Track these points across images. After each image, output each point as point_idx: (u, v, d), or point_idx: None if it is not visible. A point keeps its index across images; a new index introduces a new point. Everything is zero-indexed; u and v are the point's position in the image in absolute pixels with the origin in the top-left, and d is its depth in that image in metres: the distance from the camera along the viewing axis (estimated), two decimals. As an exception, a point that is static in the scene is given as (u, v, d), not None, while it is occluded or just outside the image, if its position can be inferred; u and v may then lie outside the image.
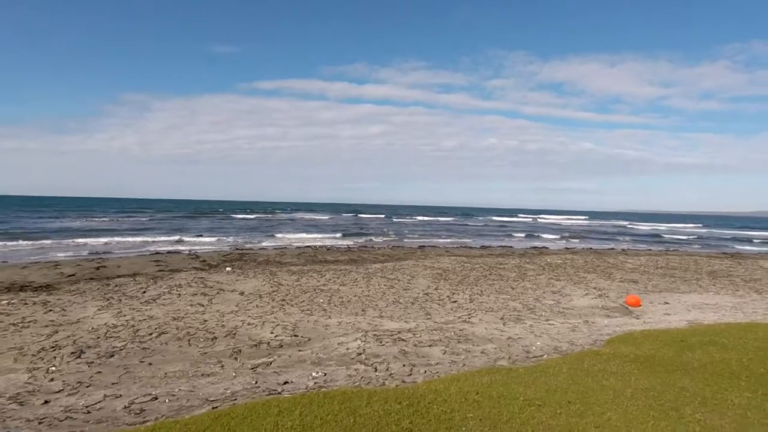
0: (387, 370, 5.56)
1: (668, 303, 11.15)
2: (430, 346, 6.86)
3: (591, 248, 28.13)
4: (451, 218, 75.91)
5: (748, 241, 43.41)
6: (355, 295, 10.81)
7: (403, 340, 7.10)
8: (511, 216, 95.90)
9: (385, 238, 31.88)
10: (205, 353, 6.13)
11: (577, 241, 36.11)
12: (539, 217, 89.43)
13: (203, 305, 9.32)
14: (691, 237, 47.10)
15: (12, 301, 9.05)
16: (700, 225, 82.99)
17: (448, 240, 32.31)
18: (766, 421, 3.38)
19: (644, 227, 67.31)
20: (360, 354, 6.24)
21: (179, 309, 8.88)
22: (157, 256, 17.70)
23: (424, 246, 25.89)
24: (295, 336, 7.20)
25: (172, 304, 9.31)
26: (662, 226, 73.68)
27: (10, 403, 4.12)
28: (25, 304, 8.95)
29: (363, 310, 9.37)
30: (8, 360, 5.69)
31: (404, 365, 5.80)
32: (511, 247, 27.73)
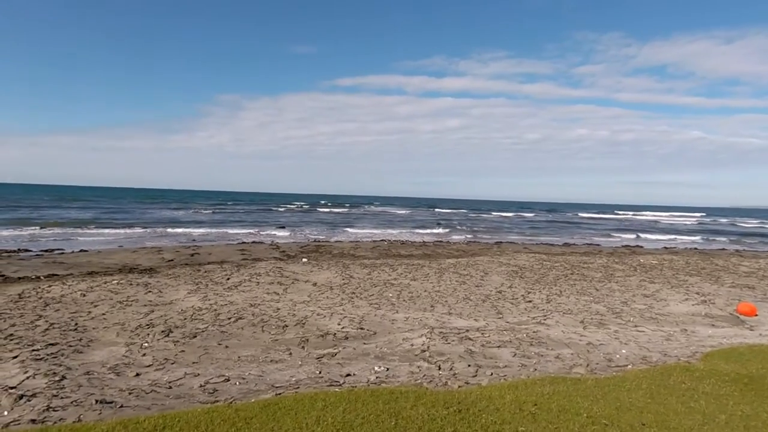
0: (451, 369, 5.47)
1: (793, 314, 9.47)
2: (499, 347, 6.61)
3: (695, 248, 24.89)
4: (533, 214, 72.16)
5: None
6: (425, 291, 10.78)
7: (470, 339, 6.93)
8: (603, 212, 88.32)
9: (461, 234, 31.32)
10: (276, 340, 6.56)
11: (675, 236, 32.23)
12: (637, 214, 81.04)
13: (278, 294, 9.97)
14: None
15: (121, 281, 10.49)
16: None
17: (528, 236, 30.77)
18: None
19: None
20: (424, 351, 6.21)
21: (257, 296, 9.60)
22: (242, 246, 19.34)
23: (501, 242, 24.96)
24: (361, 329, 7.38)
25: (251, 291, 10.09)
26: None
27: (109, 373, 4.82)
28: (131, 284, 10.25)
29: (432, 306, 9.32)
30: (112, 334, 6.63)
31: (469, 365, 5.66)
32: (598, 245, 25.57)
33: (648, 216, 75.07)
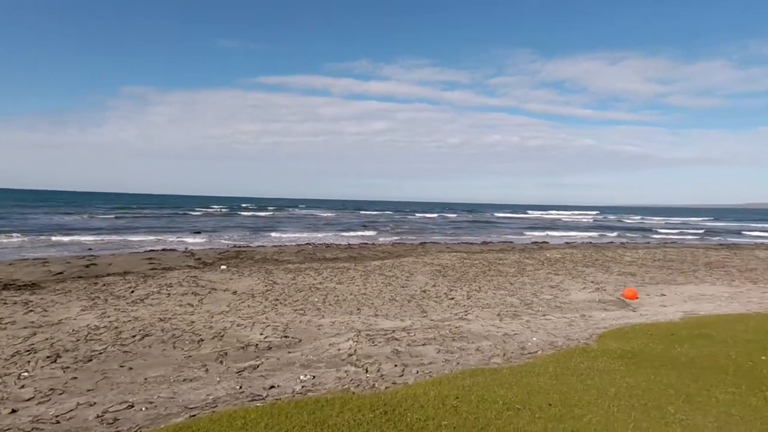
0: (378, 371, 5.51)
1: (665, 295, 11.05)
2: (424, 344, 6.81)
3: (590, 242, 27.98)
4: (455, 214, 75.74)
5: (740, 233, 43.21)
6: (351, 294, 10.78)
7: (396, 339, 7.06)
8: (516, 212, 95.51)
9: (387, 235, 31.84)
10: (190, 356, 6.09)
11: (575, 233, 35.97)
12: (545, 213, 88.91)
13: (193, 305, 9.30)
14: (690, 229, 46.86)
15: (-6, 303, 9.04)
16: (700, 218, 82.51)
17: (450, 236, 32.25)
18: (749, 418, 3.30)
19: (649, 221, 66.85)
20: (351, 355, 6.19)
21: (167, 309, 8.86)
22: (151, 254, 17.71)
23: (425, 242, 25.83)
24: (286, 337, 7.16)
25: (161, 305, 9.29)
26: (660, 219, 73.21)
27: (-25, 414, 4.07)
28: (5, 304, 8.91)
29: (358, 309, 9.34)
30: (-21, 367, 5.65)
31: (396, 365, 5.75)
32: (512, 242, 27.62)
33: (554, 215, 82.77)
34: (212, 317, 8.32)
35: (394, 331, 7.50)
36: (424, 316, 8.80)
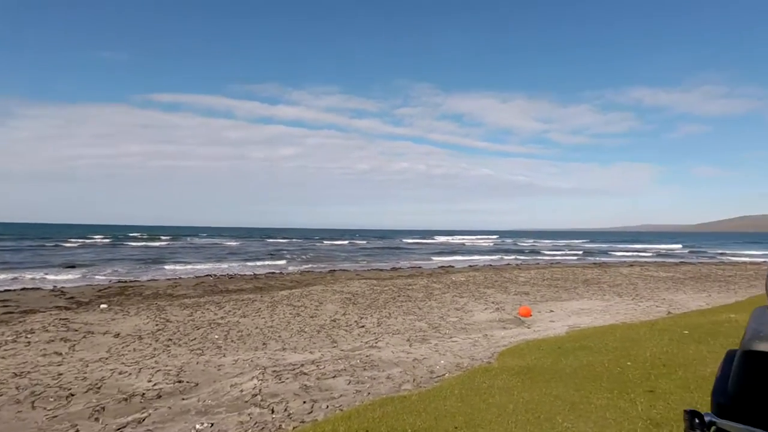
0: (285, 410, 5.20)
1: (553, 311, 12.27)
2: (334, 377, 6.61)
3: (490, 265, 30.28)
4: (365, 241, 76.66)
5: (607, 252, 50.72)
6: (257, 327, 10.14)
7: (305, 373, 6.76)
8: (424, 237, 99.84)
9: (295, 264, 30.91)
10: (55, 417, 5.13)
11: (478, 257, 38.68)
12: (452, 238, 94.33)
13: (61, 354, 7.93)
14: (571, 250, 53.53)
15: None
16: (580, 240, 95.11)
17: (360, 263, 32.42)
18: (620, 419, 3.75)
19: (540, 244, 74.70)
20: (255, 395, 5.77)
21: (26, 361, 7.43)
22: (6, 294, 14.87)
23: (334, 270, 25.58)
24: (180, 382, 6.43)
25: (16, 356, 7.77)
26: (549, 242, 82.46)
27: None
28: None
29: (264, 344, 8.79)
30: None
31: (305, 402, 5.49)
32: (420, 267, 28.67)
33: (459, 239, 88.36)
34: (87, 366, 7.15)
35: (302, 365, 7.19)
36: (335, 347, 8.59)
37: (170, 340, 8.99)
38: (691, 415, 0.61)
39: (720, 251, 52.05)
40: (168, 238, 68.21)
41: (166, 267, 26.94)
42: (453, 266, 28.84)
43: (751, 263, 33.17)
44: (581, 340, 6.81)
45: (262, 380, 6.38)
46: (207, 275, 22.30)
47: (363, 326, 10.43)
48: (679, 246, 64.12)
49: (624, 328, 7.85)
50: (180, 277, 21.27)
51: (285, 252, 43.34)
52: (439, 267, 28.29)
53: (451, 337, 9.23)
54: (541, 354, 6.22)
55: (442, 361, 7.23)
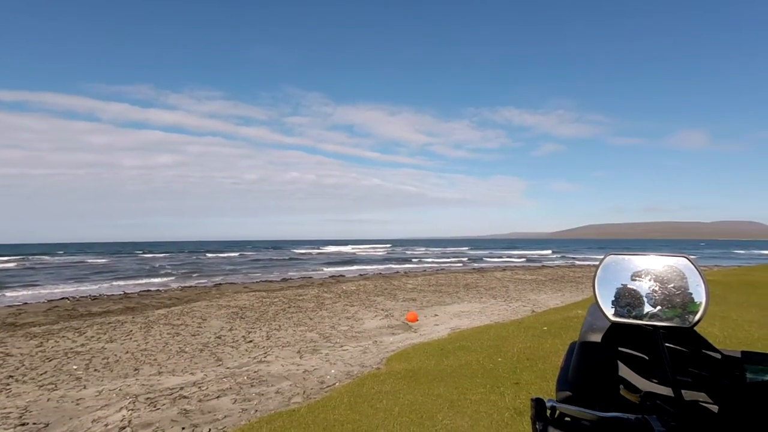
0: (159, 441, 4.72)
1: (437, 315, 13.19)
2: (218, 397, 6.20)
3: (380, 273, 31.32)
4: (256, 252, 73.13)
5: (482, 259, 56.44)
6: (127, 352, 9.01)
7: (185, 397, 6.22)
8: (316, 247, 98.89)
9: (175, 279, 28.08)
10: None
11: (369, 267, 39.70)
12: (344, 247, 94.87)
13: None
14: (456, 257, 58.16)
15: None
16: (464, 247, 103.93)
17: (249, 275, 30.82)
18: (491, 411, 4.23)
19: (431, 251, 79.40)
20: (124, 428, 5.13)
21: None
22: None
23: (221, 284, 23.93)
24: (23, 425, 5.41)
25: None
26: (437, 249, 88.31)
27: None
28: None
29: (136, 370, 7.85)
30: None
31: (183, 428, 5.05)
32: (311, 277, 28.35)
33: (351, 249, 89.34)
34: None
35: (182, 388, 6.61)
36: (219, 365, 8.06)
37: (11, 377, 7.49)
38: (536, 402, 0.66)
39: (572, 255, 61.53)
40: (11, 257, 56.46)
41: (7, 294, 22.09)
42: (344, 276, 29.14)
43: (593, 266, 39.80)
44: (461, 341, 7.47)
45: (132, 410, 5.70)
46: (63, 298, 19.04)
47: (251, 341, 9.96)
48: (549, 251, 73.60)
49: (497, 327, 8.82)
50: (27, 303, 17.78)
51: (163, 267, 39.15)
52: (330, 277, 28.34)
53: (342, 346, 9.33)
54: (425, 356, 6.67)
55: (333, 371, 7.27)
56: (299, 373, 7.30)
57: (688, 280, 0.73)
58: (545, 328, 8.16)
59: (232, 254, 63.81)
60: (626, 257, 0.79)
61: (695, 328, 0.72)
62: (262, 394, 6.23)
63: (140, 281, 27.09)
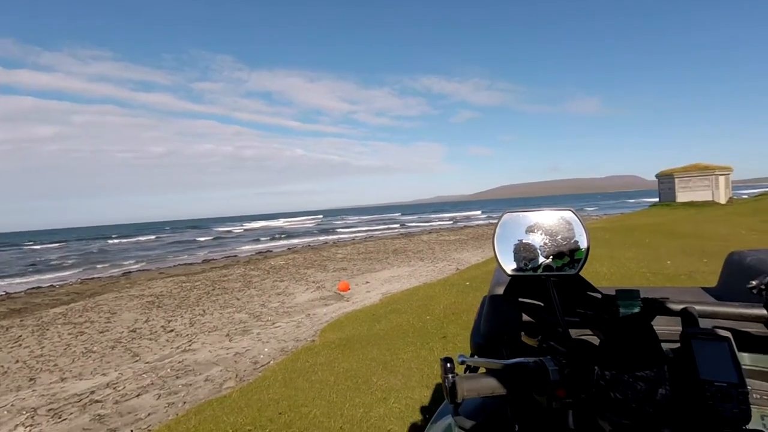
0: (69, 452, 4.24)
1: (369, 282, 13.38)
2: (138, 395, 5.72)
3: (309, 245, 30.92)
4: (171, 234, 67.89)
5: (404, 224, 58.37)
6: (17, 361, 7.92)
7: (98, 401, 5.65)
8: (241, 223, 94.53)
9: (71, 271, 25.07)
10: None
11: (298, 240, 39.03)
12: (272, 221, 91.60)
13: None
14: (386, 223, 59.28)
15: None
16: (394, 213, 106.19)
17: (165, 259, 28.58)
18: (422, 366, 4.39)
19: (365, 219, 79.78)
20: (22, 447, 4.52)
21: None
22: None
23: (130, 272, 21.89)
24: None
25: None
26: (369, 218, 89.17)
27: None
28: None
29: (31, 380, 6.93)
30: None
31: (98, 434, 4.58)
32: (236, 256, 27.10)
33: (281, 222, 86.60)
34: None
35: (93, 392, 5.99)
36: (137, 361, 7.42)
37: None
38: (444, 361, 0.68)
39: (496, 215, 65.87)
40: None
41: None
42: (272, 251, 28.30)
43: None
44: (392, 305, 7.63)
45: (32, 426, 5.04)
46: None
47: (172, 330, 9.29)
48: (479, 212, 77.27)
49: (425, 288, 9.15)
50: None
51: (56, 259, 34.71)
52: (257, 253, 27.34)
53: (274, 324, 9.09)
54: (358, 323, 6.71)
55: (266, 349, 7.08)
56: (230, 356, 6.99)
57: (574, 231, 0.80)
58: (468, 283, 8.64)
59: (143, 238, 58.50)
60: (521, 214, 0.84)
61: (580, 272, 0.80)
62: (190, 385, 5.88)
63: (27, 279, 23.52)
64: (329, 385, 4.14)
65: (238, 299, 12.15)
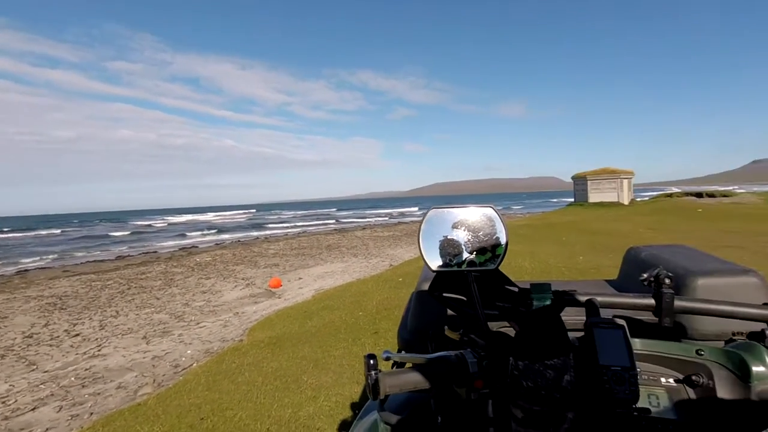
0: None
1: (301, 278, 13.11)
2: (35, 408, 5.10)
3: (239, 240, 29.63)
4: (80, 228, 61.31)
5: (338, 220, 58.25)
6: None
7: (-19, 419, 4.93)
8: (163, 217, 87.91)
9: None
10: None
11: (227, 235, 37.23)
12: (201, 215, 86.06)
13: None
14: (320, 219, 58.47)
15: None
16: (330, 209, 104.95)
17: (70, 256, 25.73)
18: (354, 363, 4.39)
19: (294, 214, 77.72)
20: None
21: None
22: None
23: (26, 270, 19.42)
24: None
25: None
26: (305, 212, 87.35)
27: None
28: None
29: None
30: None
31: (-18, 457, 4.00)
32: (156, 252, 25.17)
33: (210, 216, 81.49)
34: None
35: (-25, 410, 5.22)
36: (33, 370, 6.61)
37: None
38: (368, 358, 0.68)
39: (423, 211, 67.39)
40: None
41: None
42: (197, 246, 26.69)
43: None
44: (324, 301, 7.54)
45: None
46: None
47: (78, 334, 8.39)
48: (415, 208, 78.09)
49: (358, 284, 9.17)
50: None
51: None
52: (181, 249, 25.61)
53: (198, 324, 8.58)
54: (290, 321, 6.55)
55: (189, 351, 6.65)
56: (147, 360, 6.47)
57: (496, 227, 0.83)
58: (401, 279, 8.81)
59: (44, 232, 52.05)
60: (446, 210, 0.85)
61: (499, 267, 0.84)
62: (99, 393, 5.35)
63: None
64: (257, 386, 3.98)
65: (157, 299, 11.29)
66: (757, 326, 0.83)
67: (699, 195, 33.32)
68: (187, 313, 9.52)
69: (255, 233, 37.41)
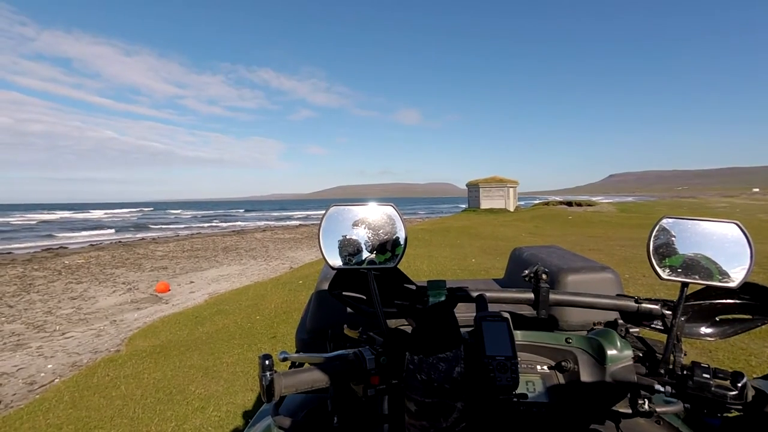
0: None
1: (193, 282, 12.17)
2: None
3: (120, 241, 26.46)
4: None
5: (240, 220, 55.77)
6: None
7: None
8: (23, 213, 74.52)
9: None
10: None
11: (107, 235, 32.99)
12: (77, 213, 74.36)
13: None
14: (216, 219, 54.78)
15: None
16: (224, 209, 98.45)
17: None
18: (248, 369, 4.23)
19: (186, 214, 71.25)
20: None
21: None
22: None
23: None
24: None
25: None
26: (194, 213, 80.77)
27: None
28: None
29: None
30: None
31: None
32: (10, 253, 21.27)
33: (89, 214, 71.19)
34: None
35: None
36: None
37: None
38: (263, 358, 0.67)
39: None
40: None
41: None
42: (67, 247, 23.18)
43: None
44: (218, 305, 7.12)
45: None
46: None
47: None
48: (323, 211, 76.89)
49: (256, 287, 8.81)
50: None
51: None
52: (44, 250, 22.00)
53: (63, 334, 7.50)
54: (177, 327, 6.06)
55: (50, 366, 5.78)
56: (-12, 381, 5.45)
57: (395, 225, 0.85)
58: (301, 281, 8.70)
59: None
60: (347, 207, 0.85)
61: (398, 266, 0.86)
62: None
63: None
64: (135, 399, 3.62)
65: (10, 306, 9.59)
66: (612, 315, 0.97)
67: (570, 204, 38.51)
68: (49, 322, 8.24)
69: (141, 234, 33.67)
